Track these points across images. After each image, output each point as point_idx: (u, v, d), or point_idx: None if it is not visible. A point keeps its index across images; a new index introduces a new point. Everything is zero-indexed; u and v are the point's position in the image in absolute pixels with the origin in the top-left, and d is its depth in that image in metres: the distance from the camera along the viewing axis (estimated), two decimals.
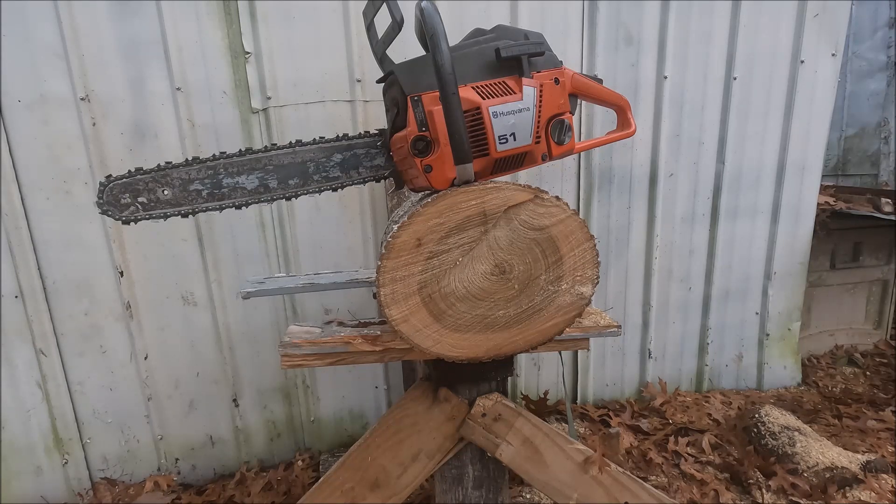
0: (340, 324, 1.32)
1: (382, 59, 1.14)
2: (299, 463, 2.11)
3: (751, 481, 1.90)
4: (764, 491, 1.85)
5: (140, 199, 1.10)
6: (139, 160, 1.79)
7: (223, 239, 1.96)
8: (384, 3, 1.04)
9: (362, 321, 1.33)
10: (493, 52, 1.07)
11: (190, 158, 1.12)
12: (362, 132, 1.24)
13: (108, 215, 1.09)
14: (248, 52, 1.84)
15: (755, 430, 2.11)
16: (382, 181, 1.25)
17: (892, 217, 2.59)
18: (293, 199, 1.19)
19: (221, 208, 1.15)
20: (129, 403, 2.01)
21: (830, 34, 2.28)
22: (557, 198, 1.07)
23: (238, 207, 1.16)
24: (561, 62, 1.16)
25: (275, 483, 2.02)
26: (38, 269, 1.82)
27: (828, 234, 2.65)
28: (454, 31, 1.13)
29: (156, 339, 1.99)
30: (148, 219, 1.12)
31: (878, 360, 2.90)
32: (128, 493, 1.98)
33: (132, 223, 1.11)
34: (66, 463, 1.98)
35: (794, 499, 1.80)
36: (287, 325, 2.00)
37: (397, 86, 1.08)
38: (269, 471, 2.11)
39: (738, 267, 2.49)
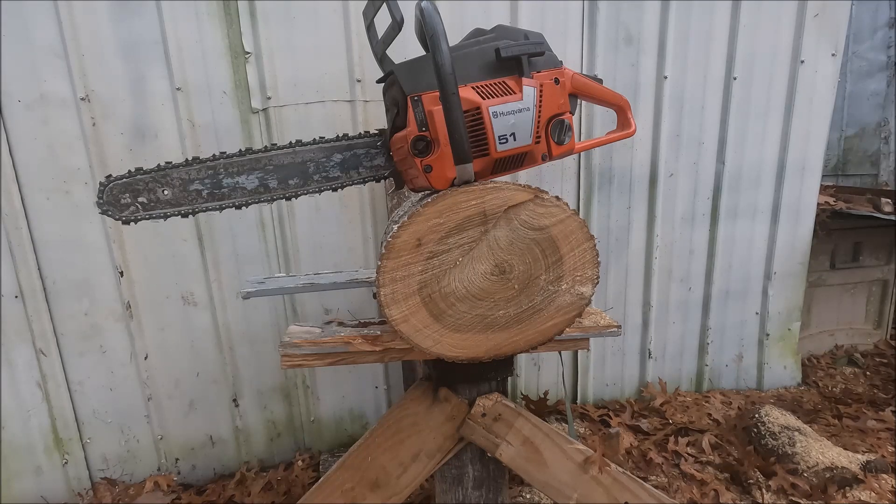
0: (340, 324, 1.32)
1: (382, 59, 1.15)
2: (299, 463, 2.11)
3: (751, 481, 1.90)
4: (764, 491, 1.85)
5: (140, 199, 1.10)
6: (139, 160, 1.79)
7: (223, 239, 1.96)
8: (384, 3, 1.04)
9: (362, 321, 1.33)
10: (493, 52, 1.08)
11: (190, 158, 1.12)
12: (362, 132, 1.24)
13: (108, 215, 1.09)
14: (248, 52, 1.84)
15: (755, 430, 2.11)
16: (382, 181, 1.25)
17: (892, 217, 2.59)
18: (293, 199, 1.19)
19: (221, 208, 1.15)
20: (129, 403, 2.01)
21: (830, 34, 2.28)
22: (557, 198, 1.07)
23: (238, 207, 1.16)
24: (561, 62, 1.16)
25: (275, 483, 2.02)
26: (38, 269, 1.82)
27: (828, 234, 2.66)
28: (454, 31, 1.13)
29: (156, 339, 1.99)
30: (148, 219, 1.12)
31: (878, 360, 2.90)
32: (128, 493, 1.98)
33: (132, 223, 1.11)
34: (66, 463, 1.98)
35: (794, 499, 1.80)
36: (287, 325, 2.00)
37: (397, 86, 1.08)
38: (269, 471, 2.11)
39: (738, 267, 2.49)
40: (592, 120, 2.19)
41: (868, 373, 2.79)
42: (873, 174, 3.86)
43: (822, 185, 2.51)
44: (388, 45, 1.12)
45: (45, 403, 1.92)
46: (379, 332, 1.22)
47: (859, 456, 1.91)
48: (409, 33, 1.05)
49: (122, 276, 1.90)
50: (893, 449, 2.07)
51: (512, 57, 1.07)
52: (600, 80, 1.26)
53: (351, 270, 1.76)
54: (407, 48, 1.36)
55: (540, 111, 1.11)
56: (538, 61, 1.12)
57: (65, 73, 1.72)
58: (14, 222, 1.77)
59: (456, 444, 1.32)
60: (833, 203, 2.69)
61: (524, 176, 2.14)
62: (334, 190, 1.21)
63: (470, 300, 1.08)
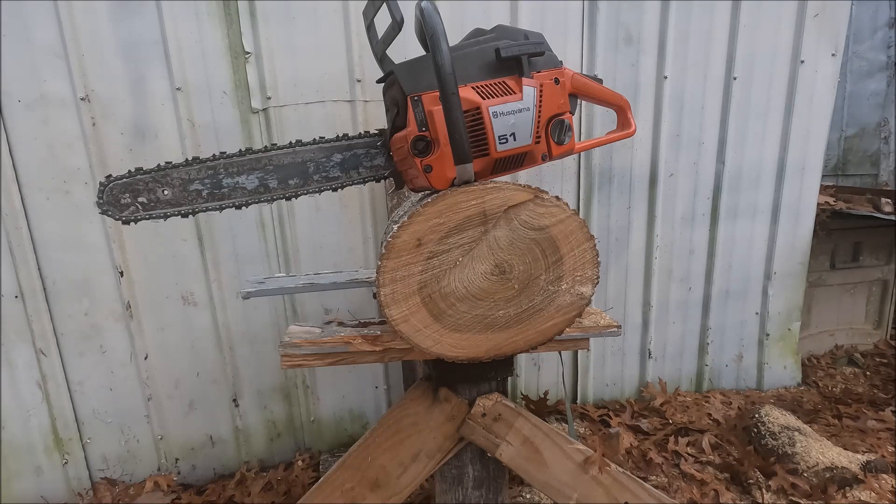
0: (340, 324, 1.32)
1: (382, 59, 1.15)
2: (299, 463, 2.11)
3: (751, 481, 1.90)
4: (764, 491, 1.85)
5: (140, 199, 1.10)
6: (139, 160, 1.79)
7: (223, 239, 1.96)
8: (384, 3, 1.04)
9: (362, 321, 1.33)
10: (493, 52, 1.08)
11: (190, 158, 1.12)
12: (362, 132, 1.24)
13: (108, 215, 1.09)
14: (248, 52, 1.84)
15: (755, 430, 2.11)
16: (382, 181, 1.25)
17: (892, 217, 2.59)
18: (293, 199, 1.19)
19: (221, 208, 1.15)
20: (129, 403, 2.01)
21: (830, 34, 2.28)
22: (557, 198, 1.07)
23: (238, 207, 1.16)
24: (561, 62, 1.16)
25: (275, 483, 2.02)
26: (38, 269, 1.82)
27: (828, 234, 2.66)
28: (454, 31, 1.13)
29: (156, 339, 1.99)
30: (148, 219, 1.12)
31: (878, 360, 2.90)
32: (128, 493, 1.98)
33: (132, 223, 1.11)
34: (66, 463, 1.98)
35: (794, 499, 1.81)
36: (287, 325, 2.00)
37: (397, 86, 1.08)
38: (269, 471, 2.11)
39: (738, 267, 2.49)
40: (592, 120, 2.19)
41: (868, 373, 2.79)
42: (873, 174, 3.86)
43: (822, 185, 2.51)
44: (388, 45, 1.12)
45: (45, 403, 1.92)
46: (379, 332, 1.22)
47: (859, 456, 1.91)
48: (409, 33, 1.05)
49: (122, 276, 1.90)
50: (893, 449, 2.07)
51: (512, 57, 1.07)
52: (600, 80, 1.26)
53: (351, 270, 1.76)
54: (407, 48, 1.37)
55: (540, 111, 1.11)
56: (538, 61, 1.12)
57: (65, 73, 1.72)
58: (14, 222, 1.77)
59: (456, 444, 1.32)
60: (833, 203, 2.69)
61: (524, 176, 2.14)
62: (334, 190, 1.21)
63: (470, 300, 1.08)
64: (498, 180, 1.07)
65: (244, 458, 2.17)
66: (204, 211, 1.14)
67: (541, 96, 1.11)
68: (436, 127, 1.03)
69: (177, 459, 2.10)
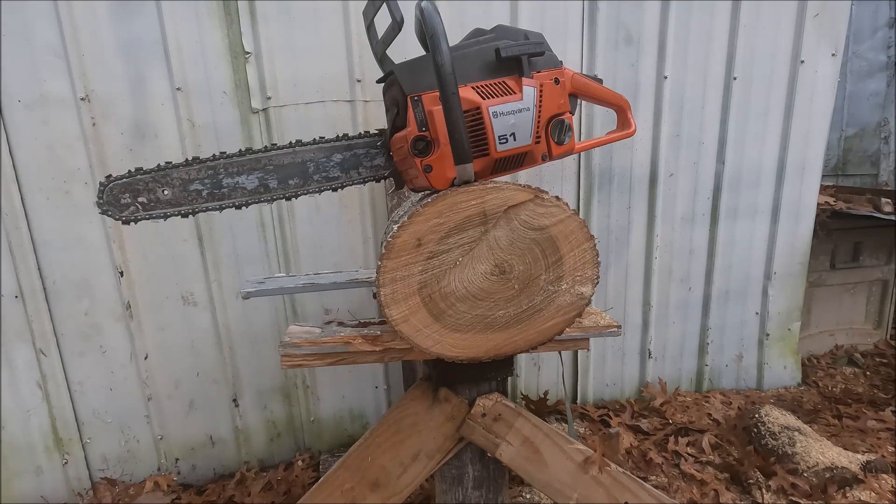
0: (340, 324, 1.32)
1: (382, 59, 1.15)
2: (299, 463, 2.11)
3: (751, 481, 1.90)
4: (764, 491, 1.85)
5: (140, 199, 1.10)
6: (139, 160, 1.79)
7: (223, 239, 1.96)
8: (384, 3, 1.04)
9: (362, 321, 1.33)
10: (493, 52, 1.08)
11: (190, 158, 1.12)
12: (362, 132, 1.24)
13: (108, 215, 1.09)
14: (248, 52, 1.84)
15: (755, 430, 2.11)
16: (382, 181, 1.25)
17: (892, 217, 2.59)
18: (293, 199, 1.19)
19: (221, 208, 1.15)
20: (129, 403, 2.01)
21: (830, 34, 2.28)
22: (557, 198, 1.07)
23: (238, 207, 1.16)
24: (561, 62, 1.16)
25: (275, 483, 2.02)
26: (38, 269, 1.82)
27: (828, 234, 2.66)
28: (454, 31, 1.13)
29: (156, 339, 1.99)
30: (148, 219, 1.12)
31: (878, 360, 2.90)
32: (128, 493, 1.98)
33: (132, 223, 1.11)
34: (66, 463, 1.98)
35: (794, 499, 1.81)
36: (287, 325, 2.00)
37: (397, 86, 1.08)
38: (269, 471, 2.11)
39: (738, 267, 2.49)
40: (592, 120, 2.19)
41: (868, 373, 2.79)
42: (873, 174, 3.86)
43: (822, 185, 2.51)
44: (388, 45, 1.12)
45: (45, 403, 1.92)
46: (379, 332, 1.22)
47: (859, 456, 1.91)
48: (409, 33, 1.05)
49: (122, 276, 1.90)
50: (893, 449, 2.07)
51: (512, 57, 1.07)
52: (600, 80, 1.26)
53: (351, 270, 1.76)
54: (407, 48, 1.36)
55: (540, 111, 1.11)
56: (538, 61, 1.12)
57: (65, 73, 1.72)
58: (14, 222, 1.77)
59: (456, 444, 1.32)
60: (833, 203, 2.69)
61: (524, 176, 2.14)
62: (334, 190, 1.21)
63: (470, 300, 1.08)
64: (498, 180, 1.07)
65: (244, 458, 2.17)
66: (204, 211, 1.14)
67: (541, 96, 1.11)
68: (436, 127, 1.03)
69: (177, 459, 2.10)
